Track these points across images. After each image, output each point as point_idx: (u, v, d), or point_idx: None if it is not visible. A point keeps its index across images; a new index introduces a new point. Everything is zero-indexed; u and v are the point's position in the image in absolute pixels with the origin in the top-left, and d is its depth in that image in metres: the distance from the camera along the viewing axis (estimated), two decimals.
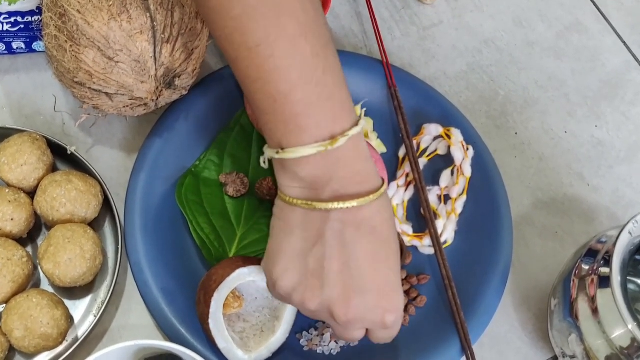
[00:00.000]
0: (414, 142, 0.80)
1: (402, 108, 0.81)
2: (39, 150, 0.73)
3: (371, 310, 0.59)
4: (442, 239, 0.77)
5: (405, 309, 0.74)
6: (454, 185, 0.78)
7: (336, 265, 0.58)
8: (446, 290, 0.74)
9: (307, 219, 0.59)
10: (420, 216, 0.78)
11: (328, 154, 0.58)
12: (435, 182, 0.79)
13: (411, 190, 0.79)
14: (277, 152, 0.59)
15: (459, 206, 0.77)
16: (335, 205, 0.58)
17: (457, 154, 0.78)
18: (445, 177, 0.79)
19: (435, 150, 0.80)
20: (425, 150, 0.80)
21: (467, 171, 0.78)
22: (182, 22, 0.70)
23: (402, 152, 0.80)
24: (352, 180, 0.59)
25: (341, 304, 0.58)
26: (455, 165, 0.78)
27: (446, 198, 0.79)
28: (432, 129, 0.79)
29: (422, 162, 0.80)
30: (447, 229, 0.77)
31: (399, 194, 0.78)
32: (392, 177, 0.79)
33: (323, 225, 0.58)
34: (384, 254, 0.60)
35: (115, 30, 0.67)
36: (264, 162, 0.63)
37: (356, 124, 0.60)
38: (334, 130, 0.59)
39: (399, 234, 0.75)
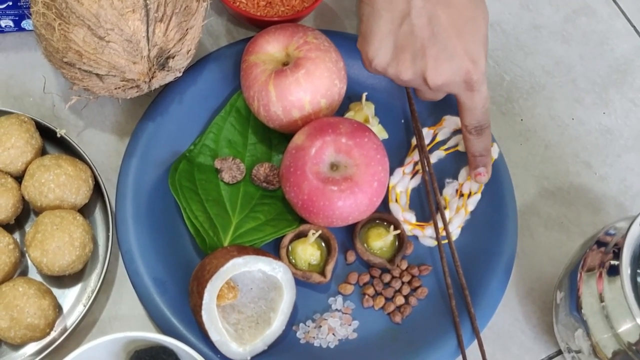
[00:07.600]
0: (431, 131, 0.77)
1: (410, 92, 0.79)
2: (27, 133, 0.71)
3: (457, 72, 0.66)
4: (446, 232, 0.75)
5: (407, 301, 0.73)
6: (467, 181, 0.76)
7: (423, 40, 0.66)
8: (457, 280, 0.73)
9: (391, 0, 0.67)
10: (424, 206, 0.76)
11: None
12: (456, 176, 0.77)
13: (417, 179, 0.77)
14: None
15: (470, 203, 0.75)
16: None
17: None
18: (464, 173, 0.77)
19: (456, 146, 0.78)
20: (443, 142, 0.78)
21: None
22: (176, 1, 0.68)
23: (415, 139, 0.78)
24: None
25: (432, 71, 0.66)
26: None
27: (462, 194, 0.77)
28: (452, 122, 0.77)
29: (439, 154, 0.77)
30: (452, 222, 0.74)
31: (404, 181, 0.76)
32: (399, 163, 0.77)
33: (407, 6, 0.66)
34: (465, 25, 0.66)
35: (106, 8, 0.65)
36: None
37: None
38: None
39: (400, 223, 0.73)
